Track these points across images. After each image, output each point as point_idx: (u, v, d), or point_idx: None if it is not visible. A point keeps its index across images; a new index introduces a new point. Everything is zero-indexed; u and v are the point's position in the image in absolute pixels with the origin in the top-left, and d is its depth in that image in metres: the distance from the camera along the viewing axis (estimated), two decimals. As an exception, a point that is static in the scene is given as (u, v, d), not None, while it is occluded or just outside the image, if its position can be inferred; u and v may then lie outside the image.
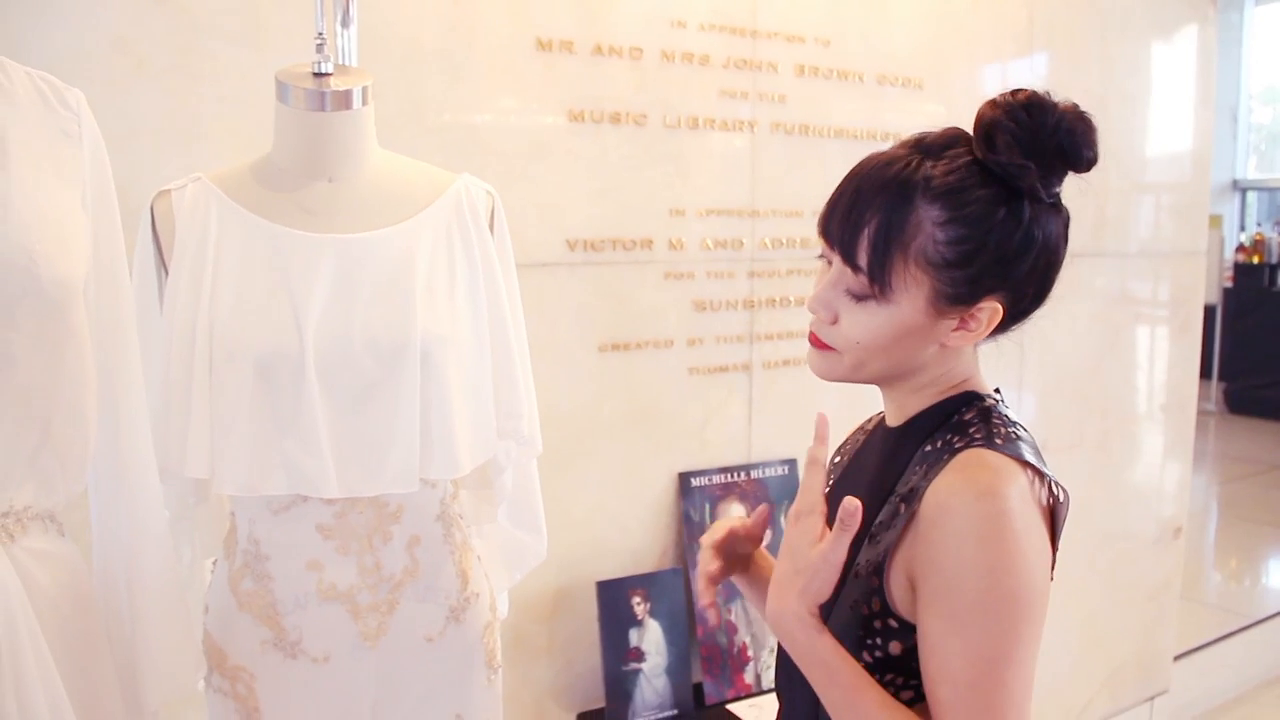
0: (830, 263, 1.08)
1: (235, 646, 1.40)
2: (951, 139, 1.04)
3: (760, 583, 1.31)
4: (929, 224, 1.00)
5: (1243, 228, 10.26)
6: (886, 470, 1.11)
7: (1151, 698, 3.60)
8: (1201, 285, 3.58)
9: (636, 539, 2.36)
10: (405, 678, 1.43)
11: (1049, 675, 3.23)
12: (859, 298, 1.05)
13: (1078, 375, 3.23)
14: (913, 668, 1.02)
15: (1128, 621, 3.47)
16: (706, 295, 2.39)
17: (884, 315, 1.04)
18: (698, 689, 2.36)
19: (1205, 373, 7.27)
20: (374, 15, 1.87)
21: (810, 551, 1.01)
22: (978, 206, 1.00)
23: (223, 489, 1.33)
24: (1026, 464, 1.00)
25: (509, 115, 2.09)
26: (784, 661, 1.19)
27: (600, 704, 2.25)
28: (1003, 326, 1.10)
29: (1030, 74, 2.98)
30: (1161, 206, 3.46)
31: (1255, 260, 9.58)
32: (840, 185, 1.07)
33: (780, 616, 1.03)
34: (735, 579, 1.33)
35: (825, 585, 1.00)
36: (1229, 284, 9.45)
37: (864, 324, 1.05)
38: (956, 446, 1.02)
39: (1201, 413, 4.08)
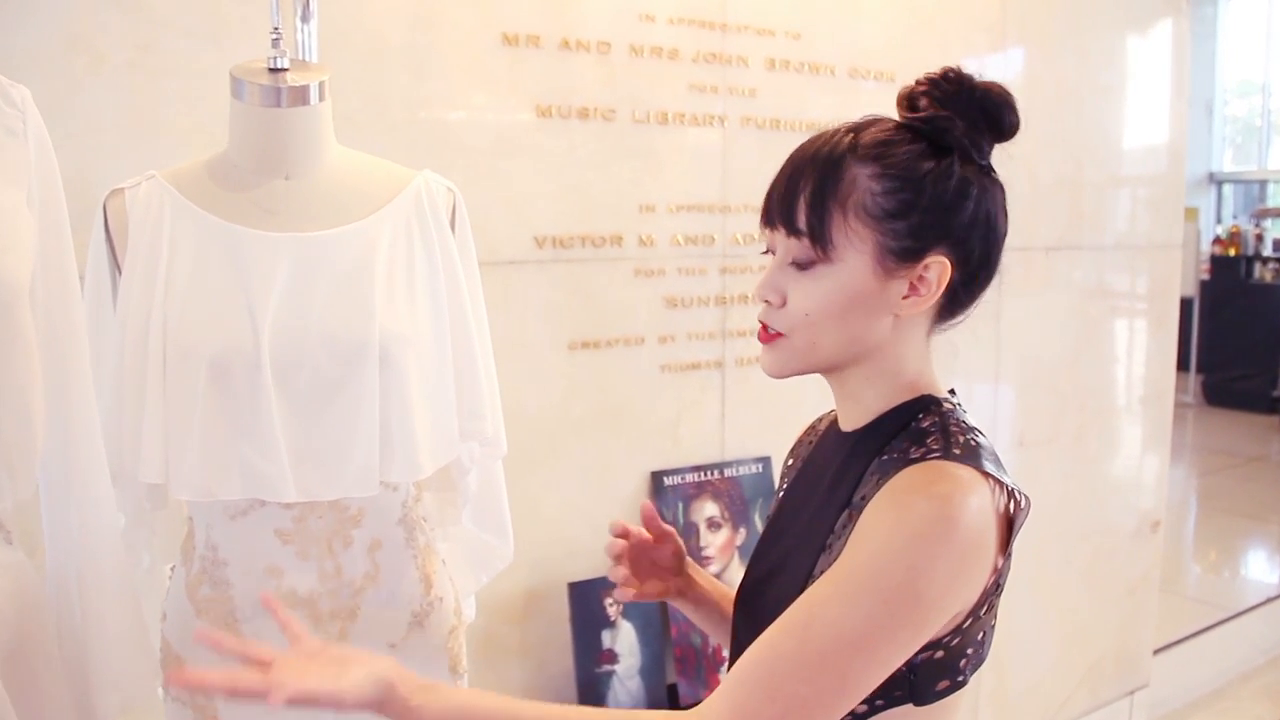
0: (774, 254, 1.08)
1: (193, 654, 1.37)
2: (878, 118, 1.07)
3: (705, 604, 1.30)
4: (863, 179, 1.01)
5: (1219, 220, 10.32)
6: (842, 478, 1.08)
7: (1131, 692, 3.60)
8: (1178, 278, 3.58)
9: (608, 539, 2.33)
10: (368, 684, 1.41)
11: (1028, 671, 3.22)
12: (804, 266, 1.03)
13: (1054, 369, 3.23)
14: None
15: (1107, 616, 3.47)
16: (678, 292, 2.37)
17: (831, 278, 1.02)
18: (672, 690, 2.34)
19: (1183, 365, 7.30)
20: (335, 9, 1.84)
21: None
22: (908, 160, 1.02)
23: (178, 494, 1.31)
24: (987, 474, 0.97)
25: (475, 111, 2.07)
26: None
27: (574, 706, 2.22)
28: (954, 307, 1.08)
29: (1004, 67, 2.97)
30: (1137, 199, 3.46)
31: (1232, 253, 9.63)
32: (774, 176, 1.08)
33: (394, 702, 0.99)
34: (674, 602, 1.32)
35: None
36: (1206, 276, 9.50)
37: (811, 293, 1.03)
38: (913, 456, 0.99)
39: (1180, 405, 4.09)
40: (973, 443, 1.01)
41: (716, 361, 2.44)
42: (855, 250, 1.02)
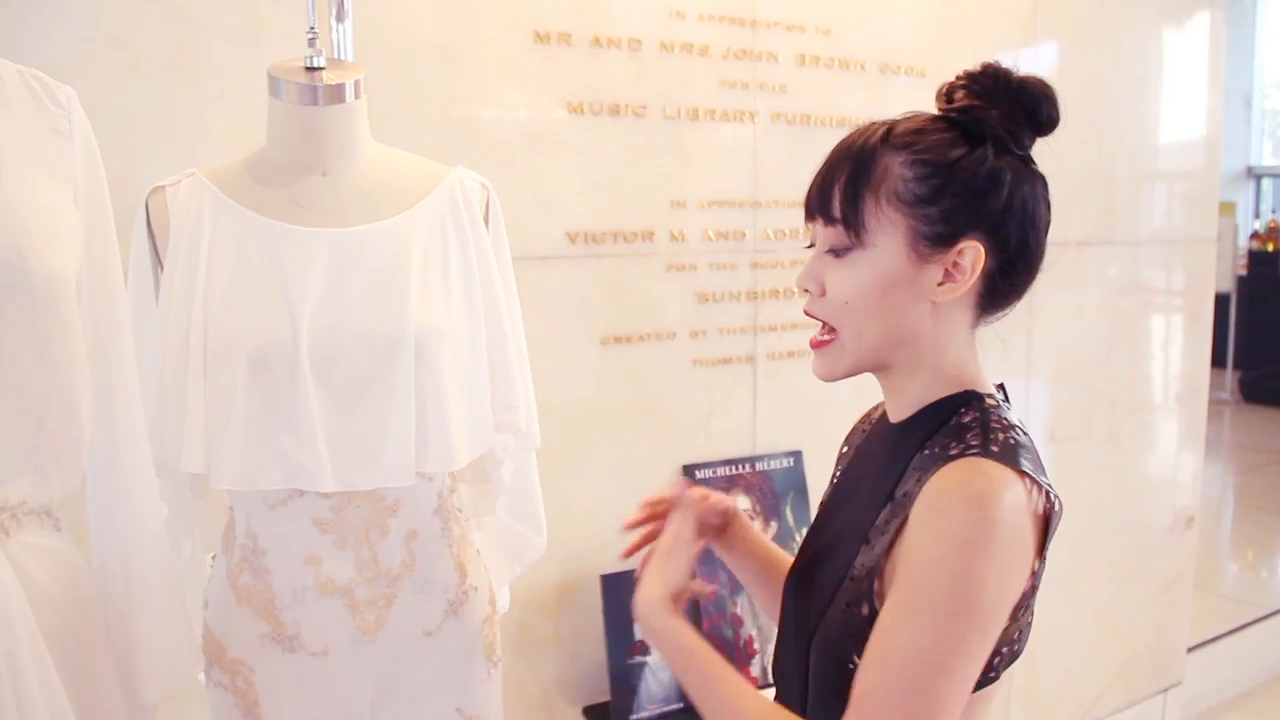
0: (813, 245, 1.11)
1: (234, 640, 1.40)
2: (916, 112, 1.09)
3: (749, 559, 1.32)
4: (895, 166, 1.04)
5: (1257, 215, 10.18)
6: (886, 472, 1.09)
7: (1165, 689, 3.57)
8: (1212, 272, 3.56)
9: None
10: (404, 671, 1.44)
11: (1060, 666, 3.21)
12: (840, 253, 1.06)
13: (1087, 364, 3.21)
14: None
15: (1140, 613, 3.46)
16: (709, 287, 2.38)
17: (865, 263, 1.04)
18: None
19: (1220, 361, 7.22)
20: (369, 9, 1.87)
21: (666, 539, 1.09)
22: (939, 146, 1.04)
23: (219, 483, 1.33)
24: (1023, 473, 0.97)
25: (507, 108, 2.09)
26: (782, 641, 1.19)
27: (606, 697, 2.24)
28: (996, 298, 1.08)
29: (1036, 61, 2.96)
30: (1172, 194, 3.44)
31: (1270, 248, 9.49)
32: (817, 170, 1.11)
33: (640, 604, 1.10)
34: (717, 548, 1.33)
35: (681, 567, 1.12)
36: (1243, 272, 9.36)
37: (848, 279, 1.05)
38: (951, 453, 1.00)
39: (1216, 402, 4.06)
40: (1012, 440, 1.01)
41: (748, 356, 2.46)
42: (888, 235, 1.03)
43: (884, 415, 1.20)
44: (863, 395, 1.33)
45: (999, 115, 1.04)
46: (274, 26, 1.80)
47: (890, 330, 1.06)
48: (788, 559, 1.33)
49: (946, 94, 1.08)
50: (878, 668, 0.94)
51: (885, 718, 0.93)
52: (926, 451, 1.04)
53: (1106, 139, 3.15)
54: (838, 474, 1.27)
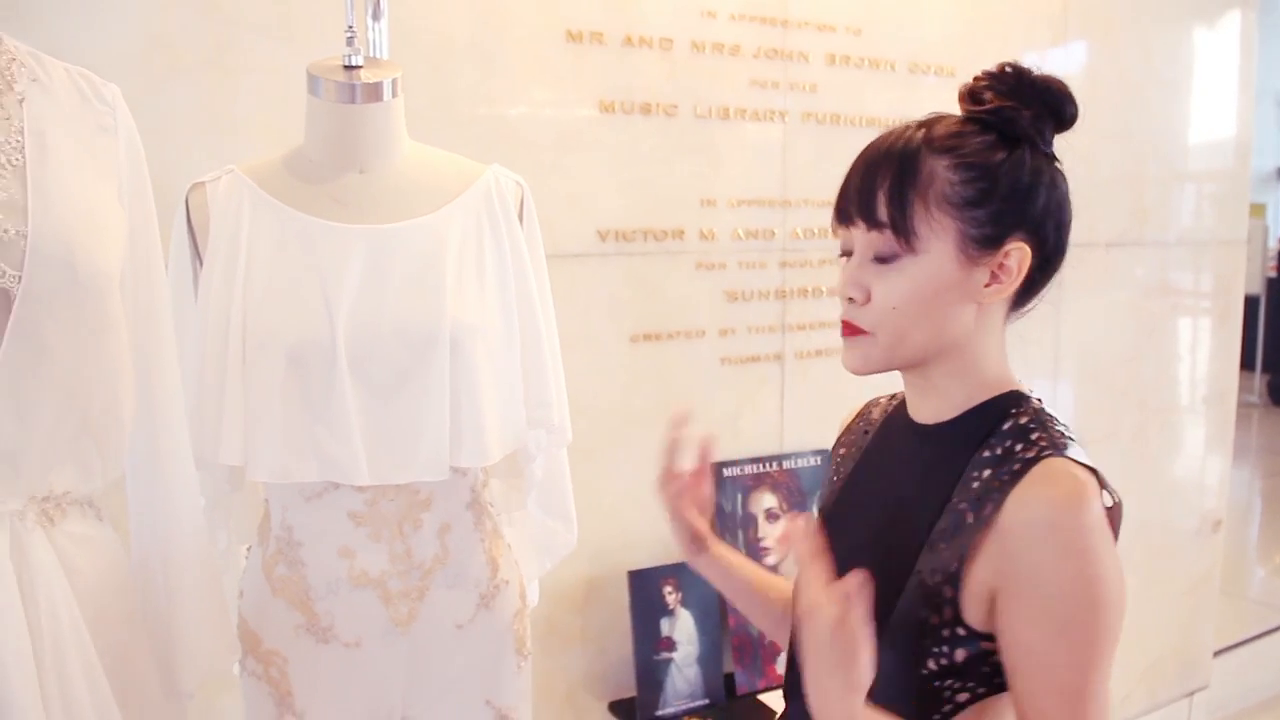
0: (849, 255, 1.09)
1: (269, 631, 1.42)
2: (943, 114, 1.09)
3: (724, 571, 1.30)
4: (941, 170, 1.04)
5: (1288, 217, 10.08)
6: (933, 473, 1.09)
7: (1191, 693, 3.56)
8: (1241, 274, 3.54)
9: (668, 528, 2.36)
10: (435, 663, 1.45)
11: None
12: (887, 259, 1.05)
13: (1114, 366, 3.20)
14: (973, 672, 1.02)
15: (1166, 615, 3.44)
16: (738, 285, 2.39)
17: (915, 270, 1.04)
18: (729, 679, 2.37)
19: (1249, 364, 7.17)
20: (404, 9, 1.88)
21: (836, 645, 0.95)
22: (983, 149, 1.05)
23: (256, 476, 1.35)
24: (1093, 470, 1.00)
25: (540, 107, 2.10)
26: (792, 666, 1.18)
27: (632, 693, 2.26)
28: (1028, 294, 1.11)
29: (1066, 60, 2.96)
30: (1202, 195, 3.42)
31: (1301, 250, 9.42)
32: (845, 175, 1.10)
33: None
34: (699, 566, 1.31)
35: (866, 669, 0.96)
36: (1273, 274, 9.29)
37: (897, 286, 1.05)
38: (1028, 456, 1.01)
39: (1244, 405, 4.04)
40: (1071, 438, 1.04)
41: (776, 354, 2.46)
42: (938, 240, 1.03)
43: (894, 414, 1.20)
44: (880, 389, 1.33)
45: (1030, 115, 1.05)
46: (310, 25, 1.82)
47: (936, 333, 1.06)
48: (771, 575, 1.34)
49: (972, 94, 1.08)
50: (1053, 694, 0.97)
51: None
52: (987, 454, 1.04)
53: (1136, 139, 3.14)
54: (838, 476, 1.26)
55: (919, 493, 1.09)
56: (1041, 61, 2.91)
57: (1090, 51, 3.02)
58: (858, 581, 0.95)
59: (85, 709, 1.11)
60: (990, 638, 1.01)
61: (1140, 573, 3.32)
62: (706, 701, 2.29)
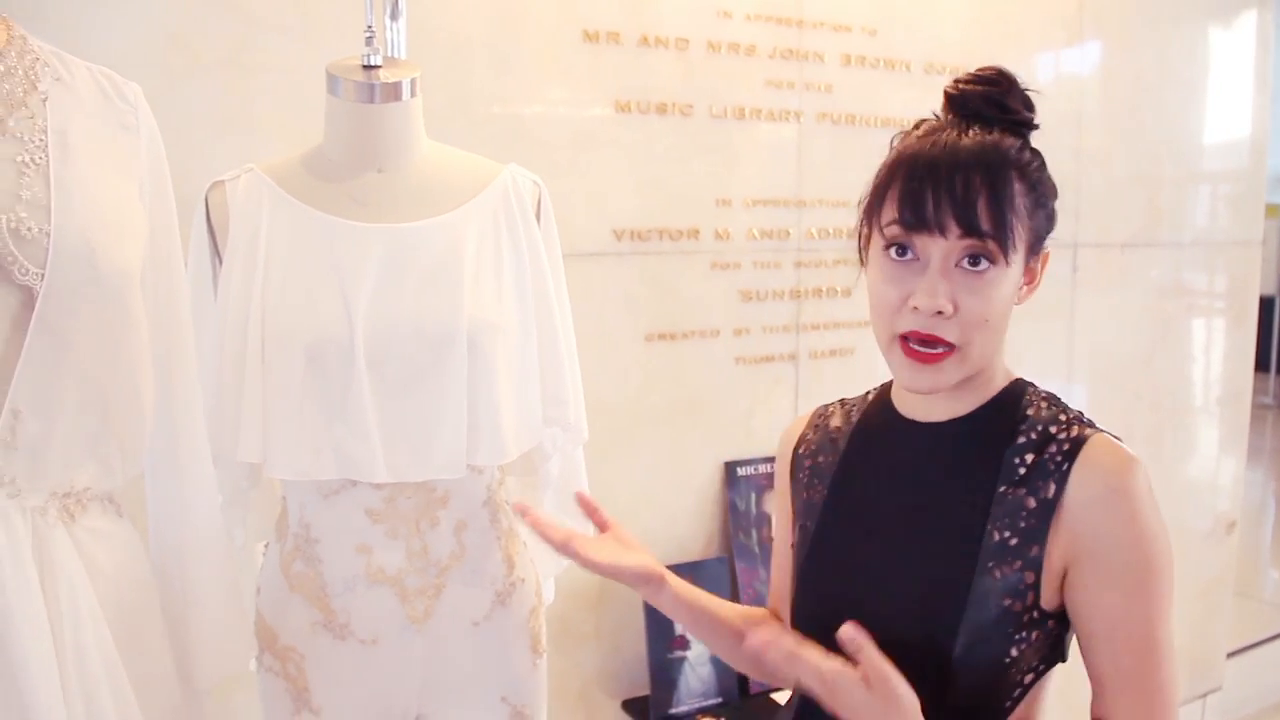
0: (909, 255, 1.06)
1: (286, 627, 1.43)
2: (976, 106, 1.09)
3: (689, 607, 1.30)
4: (1014, 180, 1.05)
5: (1304, 217, 10.01)
6: (967, 468, 1.09)
7: (1204, 695, 3.55)
8: (1257, 275, 3.53)
9: (682, 527, 2.37)
10: (452, 660, 1.46)
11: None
12: (982, 269, 1.04)
13: (1128, 367, 3.20)
14: (1040, 653, 1.07)
15: (1179, 617, 3.40)
16: (753, 285, 2.40)
17: (1004, 280, 1.05)
18: (742, 678, 2.37)
19: (1263, 366, 7.13)
20: (422, 9, 1.89)
21: (876, 694, 0.96)
22: (1029, 158, 1.08)
23: (274, 473, 1.36)
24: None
25: (556, 106, 2.11)
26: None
27: (645, 691, 2.26)
28: None
29: (1081, 61, 2.95)
30: (1217, 196, 3.41)
31: (1316, 251, 9.35)
32: (906, 180, 1.06)
33: None
34: (661, 602, 1.31)
35: (908, 692, 0.96)
36: (1288, 275, 9.24)
37: (991, 297, 1.04)
38: (1073, 435, 1.05)
39: (1259, 407, 4.03)
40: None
41: (790, 354, 2.47)
42: (1018, 250, 1.05)
43: (876, 416, 1.21)
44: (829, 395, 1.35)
45: (1032, 117, 1.10)
46: (328, 25, 1.83)
47: (1002, 341, 1.10)
48: (721, 601, 1.34)
49: (998, 104, 1.08)
50: (1136, 653, 1.04)
51: (1153, 689, 1.04)
52: (1023, 439, 1.08)
53: (1151, 139, 3.13)
54: (813, 491, 1.24)
55: (954, 489, 1.10)
56: (1057, 62, 2.93)
57: (1105, 52, 3.01)
58: (851, 632, 0.97)
59: (105, 703, 1.11)
60: (1055, 616, 1.06)
61: (1154, 574, 3.31)
62: (720, 700, 2.30)
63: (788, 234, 2.42)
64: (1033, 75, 2.87)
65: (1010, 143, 1.06)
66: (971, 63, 2.47)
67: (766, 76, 2.36)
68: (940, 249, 1.04)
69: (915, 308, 1.04)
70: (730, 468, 2.39)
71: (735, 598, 2.36)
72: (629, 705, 2.30)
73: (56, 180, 1.10)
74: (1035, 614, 1.05)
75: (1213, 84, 3.30)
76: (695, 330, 2.33)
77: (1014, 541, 1.04)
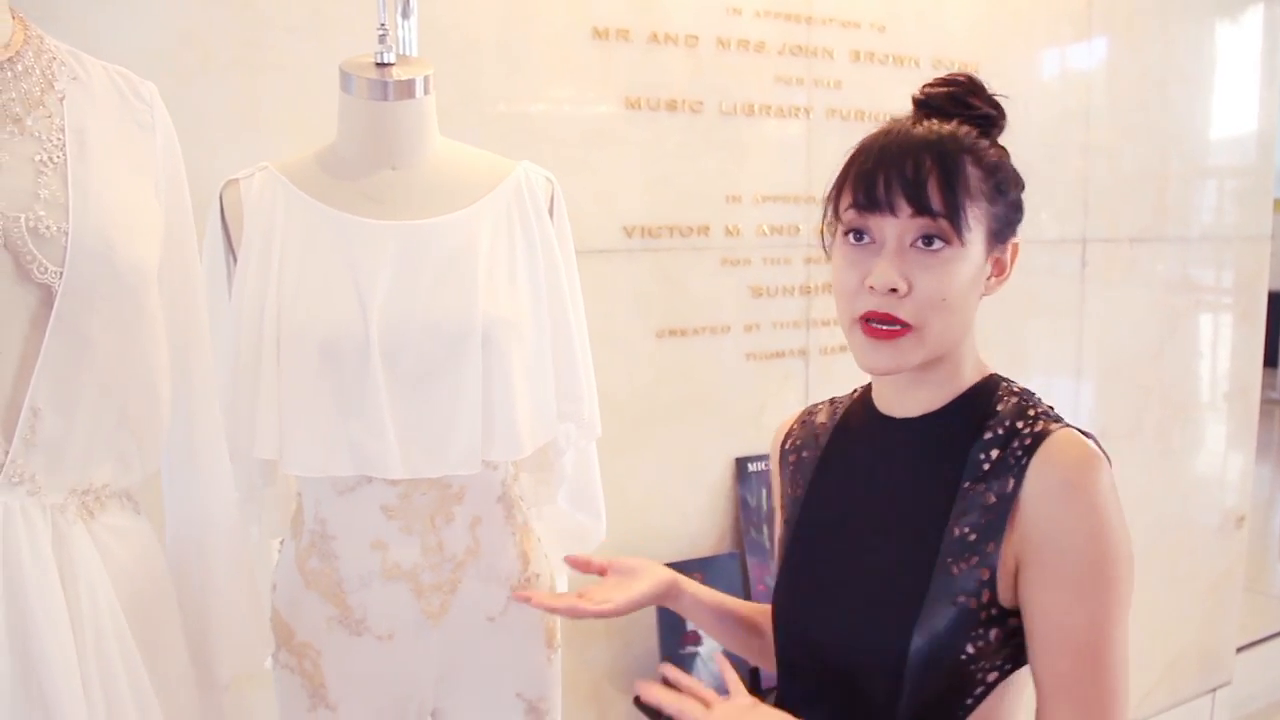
0: (865, 239, 1.08)
1: (302, 623, 1.43)
2: (939, 104, 1.11)
3: (695, 608, 1.35)
4: (968, 164, 1.06)
5: (1311, 213, 9.99)
6: (933, 464, 1.10)
7: (1214, 689, 3.55)
8: (1265, 270, 3.52)
9: (694, 523, 2.38)
10: (467, 656, 1.46)
11: (1108, 664, 3.19)
12: (936, 248, 1.05)
13: (1137, 362, 3.20)
14: (1003, 651, 1.05)
15: (1188, 612, 3.43)
16: (763, 281, 2.40)
17: (961, 261, 1.06)
18: (754, 673, 2.37)
19: (1271, 361, 7.11)
20: (432, 7, 1.90)
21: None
22: (990, 150, 1.09)
23: (290, 470, 1.36)
24: (1090, 435, 1.05)
25: (566, 104, 2.11)
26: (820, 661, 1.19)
27: (657, 687, 2.26)
28: None
29: (1088, 56, 2.95)
30: (1224, 190, 3.41)
31: (1323, 246, 9.33)
32: (862, 164, 1.09)
33: None
34: (681, 608, 1.36)
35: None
36: (1298, 270, 9.20)
37: (944, 276, 1.05)
38: (1036, 430, 1.04)
39: (1268, 402, 4.02)
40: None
41: (801, 350, 2.47)
42: (977, 233, 1.06)
43: (856, 413, 1.22)
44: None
45: (998, 116, 1.12)
46: (339, 23, 1.84)
47: (963, 325, 1.09)
48: (736, 600, 1.38)
49: (957, 100, 1.11)
50: (1068, 655, 1.01)
51: (1092, 699, 1.00)
52: (989, 435, 1.07)
53: (1159, 134, 3.13)
54: (796, 487, 1.26)
55: (920, 484, 1.11)
56: (1064, 57, 2.93)
57: (1113, 47, 3.01)
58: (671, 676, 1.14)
59: (125, 698, 1.12)
60: (1015, 613, 1.05)
61: (1163, 569, 3.32)
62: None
63: (798, 230, 2.43)
64: (1040, 71, 2.88)
65: (967, 130, 1.08)
66: (980, 58, 2.47)
67: (776, 73, 2.36)
68: (894, 229, 1.05)
69: (871, 287, 1.06)
70: (741, 463, 2.40)
71: (747, 593, 2.36)
72: (640, 701, 2.30)
73: (74, 179, 1.11)
74: (994, 611, 1.04)
75: (1220, 79, 3.30)
76: (706, 326, 2.33)
77: (973, 538, 1.04)
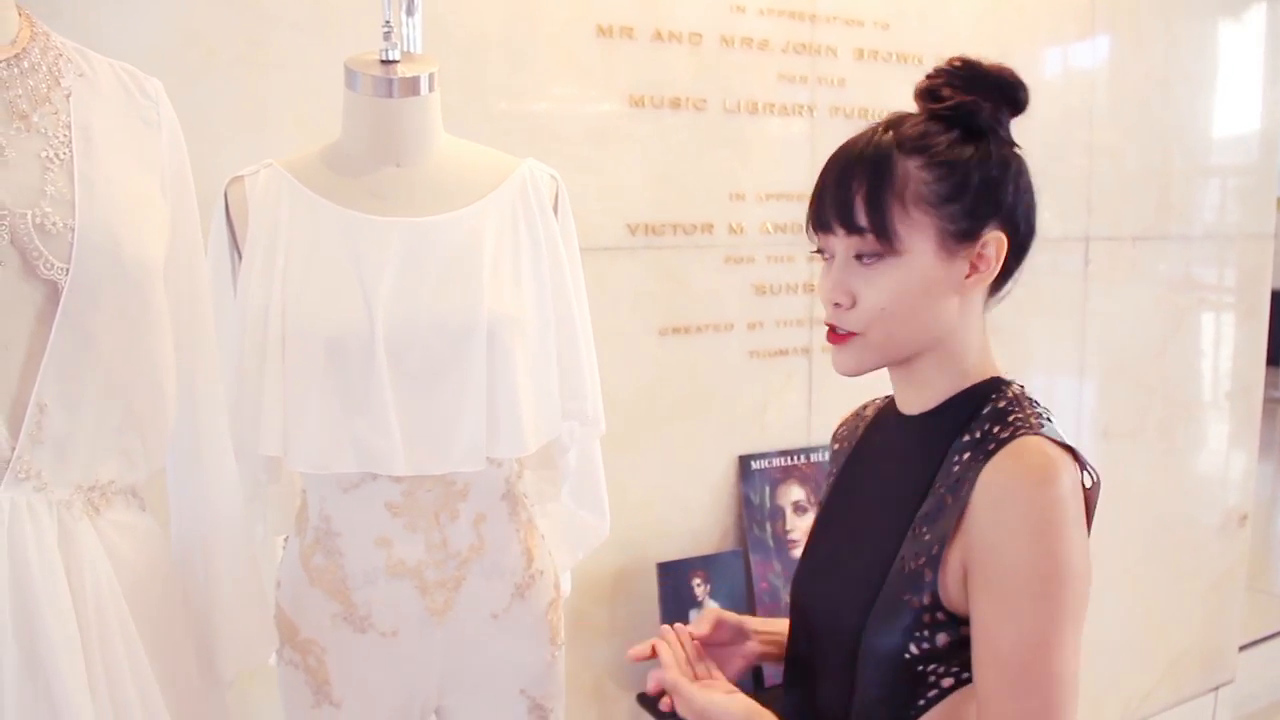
0: (828, 257, 1.11)
1: (306, 620, 1.44)
2: (906, 113, 1.11)
3: (763, 642, 1.32)
4: (914, 170, 1.05)
5: (1313, 212, 9.97)
6: (916, 461, 1.11)
7: (1216, 688, 3.55)
8: (1269, 269, 3.52)
9: (697, 521, 2.38)
10: (471, 653, 1.46)
11: (1109, 664, 3.20)
12: (870, 262, 1.06)
13: (1140, 361, 3.20)
14: (957, 657, 1.04)
15: (1191, 610, 3.43)
16: (766, 279, 2.40)
17: (901, 270, 1.05)
18: (757, 671, 2.37)
19: (1275, 359, 7.10)
20: (437, 4, 1.90)
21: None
22: (950, 147, 1.07)
23: (295, 466, 1.37)
24: (1069, 448, 1.02)
25: (570, 101, 2.12)
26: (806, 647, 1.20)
27: (660, 684, 2.26)
28: (1004, 280, 1.13)
29: (1092, 55, 2.95)
30: (1227, 189, 3.41)
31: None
32: (817, 182, 1.12)
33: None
34: (750, 651, 1.33)
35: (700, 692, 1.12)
36: (1299, 268, 9.19)
37: (884, 287, 1.06)
38: (1002, 436, 1.02)
39: (1270, 400, 4.01)
40: (1049, 420, 1.05)
41: (804, 348, 2.47)
42: (918, 238, 1.05)
43: (888, 409, 1.22)
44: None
45: (989, 107, 1.08)
46: (343, 21, 1.84)
47: (923, 328, 1.08)
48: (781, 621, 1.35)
49: (929, 92, 1.10)
50: (994, 667, 0.98)
51: (1018, 706, 0.96)
52: (966, 438, 1.06)
53: (1161, 133, 3.13)
54: (834, 471, 1.29)
55: (902, 481, 1.12)
56: (1067, 56, 2.93)
57: (1116, 45, 3.01)
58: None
59: (130, 694, 1.12)
60: (969, 621, 1.03)
61: (1165, 567, 3.32)
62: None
63: (801, 228, 2.42)
64: (1043, 69, 2.88)
65: (921, 132, 1.07)
66: (983, 57, 2.48)
67: (779, 71, 2.36)
68: (840, 245, 1.09)
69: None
70: (744, 461, 2.40)
71: (750, 591, 2.36)
72: (643, 699, 2.31)
73: (80, 175, 1.11)
74: (939, 615, 1.03)
75: (1223, 77, 3.29)
76: (709, 324, 2.33)
77: (926, 538, 1.04)
